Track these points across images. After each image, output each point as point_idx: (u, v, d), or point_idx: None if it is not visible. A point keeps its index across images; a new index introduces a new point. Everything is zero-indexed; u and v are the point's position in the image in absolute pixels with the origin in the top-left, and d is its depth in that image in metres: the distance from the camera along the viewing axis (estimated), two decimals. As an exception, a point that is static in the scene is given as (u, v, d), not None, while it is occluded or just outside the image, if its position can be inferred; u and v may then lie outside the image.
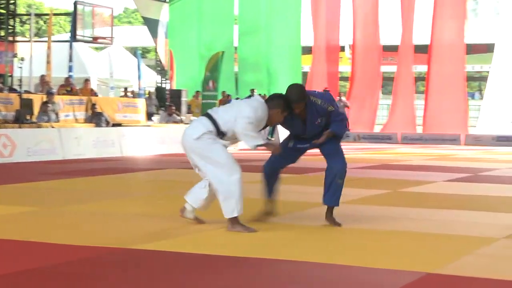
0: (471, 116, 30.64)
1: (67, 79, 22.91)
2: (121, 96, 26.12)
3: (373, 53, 30.47)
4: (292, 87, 7.16)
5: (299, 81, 30.95)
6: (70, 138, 17.34)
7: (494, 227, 7.39)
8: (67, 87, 22.32)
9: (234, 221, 6.89)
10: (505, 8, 30.53)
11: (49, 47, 25.65)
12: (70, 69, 25.60)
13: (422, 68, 41.25)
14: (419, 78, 47.42)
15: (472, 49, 32.52)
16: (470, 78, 35.33)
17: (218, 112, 7.06)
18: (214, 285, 4.95)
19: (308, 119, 7.15)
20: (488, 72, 32.16)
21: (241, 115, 6.85)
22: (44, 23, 29.92)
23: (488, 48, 30.82)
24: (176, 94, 27.98)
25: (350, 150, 22.60)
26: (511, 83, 29.37)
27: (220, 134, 6.92)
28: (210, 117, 6.97)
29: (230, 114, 6.96)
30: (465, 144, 26.93)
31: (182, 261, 5.66)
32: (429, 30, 29.37)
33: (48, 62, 24.64)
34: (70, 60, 25.83)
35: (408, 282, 5.05)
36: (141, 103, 24.09)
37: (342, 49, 37.01)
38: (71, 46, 26.17)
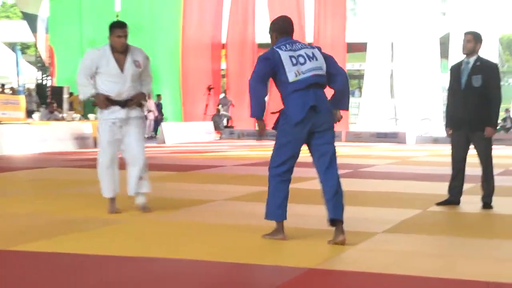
0: (352, 113, 31.36)
1: None
2: (-3, 93, 25.36)
3: (247, 51, 30.87)
4: None
5: (178, 78, 30.91)
6: None
7: (372, 222, 7.57)
8: None
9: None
10: (377, 8, 31.45)
11: None
12: None
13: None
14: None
15: (352, 47, 33.26)
16: (350, 76, 36.11)
17: None
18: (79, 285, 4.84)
19: None
20: (358, 70, 33.19)
21: None
22: None
23: (365, 47, 31.69)
24: (57, 91, 27.38)
25: (236, 147, 22.72)
26: (385, 81, 30.32)
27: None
28: None
29: None
30: (346, 141, 27.56)
31: (52, 262, 5.53)
32: (311, 29, 29.93)
33: None
34: None
35: (289, 279, 5.09)
36: (21, 100, 23.44)
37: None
38: None
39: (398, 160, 17.62)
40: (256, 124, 6.57)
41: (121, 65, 7.71)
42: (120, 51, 7.71)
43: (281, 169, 6.41)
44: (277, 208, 6.41)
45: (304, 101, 6.32)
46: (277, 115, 6.55)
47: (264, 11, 30.95)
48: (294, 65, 6.35)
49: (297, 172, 6.73)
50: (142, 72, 7.90)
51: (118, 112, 7.73)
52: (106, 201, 7.97)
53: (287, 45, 6.44)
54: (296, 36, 6.73)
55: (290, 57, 6.37)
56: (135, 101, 7.76)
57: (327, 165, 6.45)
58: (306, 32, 30.10)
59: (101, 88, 7.74)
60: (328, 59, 6.59)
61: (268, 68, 6.37)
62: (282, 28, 6.58)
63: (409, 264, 5.65)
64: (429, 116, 28.90)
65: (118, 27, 7.78)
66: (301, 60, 6.39)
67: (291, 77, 6.33)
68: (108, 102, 7.71)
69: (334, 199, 6.43)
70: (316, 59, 6.46)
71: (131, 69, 7.75)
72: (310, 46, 6.65)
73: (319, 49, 6.61)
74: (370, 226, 7.29)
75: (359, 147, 23.82)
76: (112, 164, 7.87)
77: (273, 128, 6.53)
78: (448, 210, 8.64)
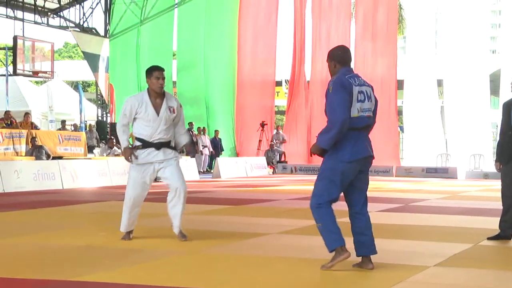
0: (401, 149, 31.15)
1: (7, 113, 22.57)
2: (59, 129, 25.87)
3: (301, 88, 30.95)
4: None
5: (233, 114, 31.10)
6: (10, 171, 17.03)
7: (424, 256, 7.50)
8: (7, 121, 22.00)
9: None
10: (411, 47, 31.42)
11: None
12: (7, 103, 25.28)
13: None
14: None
15: (401, 84, 33.19)
16: (401, 112, 36.00)
17: None
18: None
19: None
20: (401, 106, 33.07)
21: None
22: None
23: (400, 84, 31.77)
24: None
25: (289, 181, 22.72)
26: (434, 117, 30.09)
27: (140, 141, 8.10)
28: None
29: None
30: (396, 176, 27.35)
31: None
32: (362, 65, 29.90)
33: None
34: (7, 94, 25.49)
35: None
36: (82, 136, 23.87)
37: (278, 83, 37.43)
38: (7, 80, 25.82)
39: (449, 194, 17.41)
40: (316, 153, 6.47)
41: (157, 109, 7.98)
42: (158, 92, 7.93)
43: (328, 205, 6.45)
44: (340, 235, 6.41)
45: (358, 145, 6.39)
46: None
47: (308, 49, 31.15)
48: (358, 101, 6.34)
49: (339, 205, 6.72)
50: (177, 120, 8.15)
51: (155, 156, 7.98)
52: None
53: (355, 79, 6.40)
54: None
55: (359, 92, 6.35)
56: (190, 150, 8.10)
57: (363, 201, 6.68)
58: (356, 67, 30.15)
59: (135, 131, 8.08)
60: (377, 102, 6.61)
61: (348, 96, 6.27)
62: (343, 58, 6.54)
63: (460, 297, 5.58)
64: (480, 151, 28.55)
65: (156, 70, 8.02)
66: (362, 97, 6.37)
67: (354, 112, 6.30)
68: (139, 147, 8.05)
69: (371, 233, 6.58)
70: (371, 100, 6.46)
71: (166, 114, 8.01)
72: (369, 84, 6.61)
73: (373, 89, 6.59)
74: (421, 259, 7.22)
75: (409, 182, 23.60)
76: (137, 204, 8.18)
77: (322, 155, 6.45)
78: (499, 244, 8.51)
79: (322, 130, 6.36)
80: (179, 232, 8.11)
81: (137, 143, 8.07)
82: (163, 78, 8.00)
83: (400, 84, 31.43)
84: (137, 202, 8.18)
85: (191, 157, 6.46)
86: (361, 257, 6.55)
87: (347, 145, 6.34)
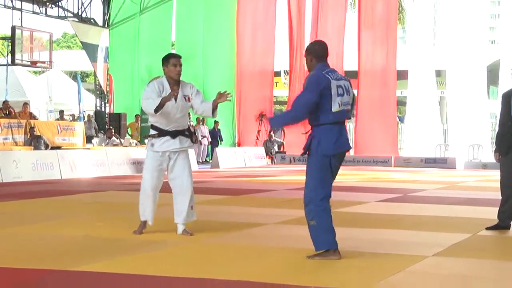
0: (401, 140, 31.14)
1: (5, 103, 22.51)
2: (57, 119, 25.82)
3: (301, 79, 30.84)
4: None
5: (232, 105, 31.05)
6: (9, 161, 17.01)
7: (422, 246, 7.50)
8: (5, 110, 21.96)
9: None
10: (425, 36, 31.29)
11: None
12: (6, 92, 25.24)
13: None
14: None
15: (401, 75, 33.15)
16: (400, 102, 35.97)
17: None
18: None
19: None
20: (405, 97, 32.99)
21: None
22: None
23: (402, 75, 31.66)
24: (115, 118, 27.81)
25: (288, 172, 22.72)
26: (432, 107, 30.09)
27: (157, 130, 7.91)
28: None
29: None
30: (395, 166, 27.35)
31: (121, 282, 5.58)
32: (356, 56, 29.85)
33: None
34: (7, 83, 25.45)
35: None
36: (80, 126, 23.84)
37: (277, 74, 37.38)
38: (7, 70, 25.77)
39: (447, 185, 17.42)
40: (266, 117, 6.90)
41: (175, 97, 7.84)
42: (176, 79, 7.83)
43: (325, 201, 6.46)
44: (335, 236, 6.45)
45: (342, 139, 6.52)
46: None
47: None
48: (338, 95, 6.41)
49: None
50: (197, 97, 7.99)
51: (171, 144, 7.88)
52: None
53: (332, 73, 6.48)
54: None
55: (337, 86, 6.41)
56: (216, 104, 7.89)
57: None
58: (353, 58, 30.05)
59: (152, 119, 7.94)
60: (354, 96, 6.74)
61: (318, 98, 6.37)
62: (320, 52, 6.60)
63: (458, 287, 5.57)
64: (478, 141, 28.54)
65: (173, 57, 7.95)
66: (341, 91, 6.46)
67: (335, 107, 6.39)
68: (154, 136, 7.91)
69: None
70: (349, 94, 6.55)
71: (182, 102, 7.90)
72: (346, 78, 6.68)
73: (350, 83, 6.67)
74: (420, 249, 7.22)
75: (408, 172, 23.61)
76: (155, 192, 8.02)
77: (303, 154, 6.62)
78: (497, 234, 8.51)
79: (284, 112, 6.92)
80: (183, 230, 7.96)
81: (153, 132, 7.96)
82: (180, 65, 7.88)
83: (399, 75, 31.40)
84: (155, 190, 8.00)
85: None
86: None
87: (332, 139, 6.44)
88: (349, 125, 32.01)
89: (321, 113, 6.42)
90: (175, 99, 7.81)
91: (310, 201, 6.45)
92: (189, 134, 8.13)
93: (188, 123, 8.31)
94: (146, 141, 8.11)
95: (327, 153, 6.42)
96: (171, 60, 7.86)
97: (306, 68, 6.76)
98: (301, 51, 30.95)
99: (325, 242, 6.40)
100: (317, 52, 6.59)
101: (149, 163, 7.98)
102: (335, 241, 6.42)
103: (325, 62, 6.59)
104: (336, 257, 6.41)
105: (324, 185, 6.45)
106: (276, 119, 6.82)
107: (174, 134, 7.91)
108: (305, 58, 6.69)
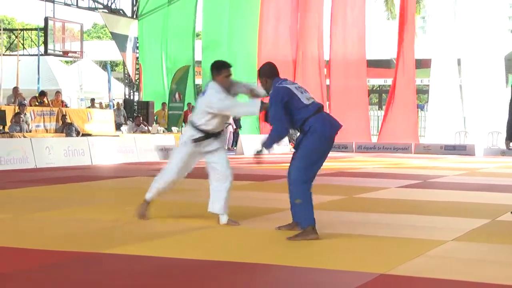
0: (421, 127, 30.93)
1: (43, 93, 22.63)
2: (88, 107, 25.94)
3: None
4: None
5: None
6: (42, 147, 17.14)
7: (442, 231, 7.46)
8: (40, 99, 22.10)
9: None
10: (445, 26, 31.00)
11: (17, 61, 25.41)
12: (38, 81, 25.41)
13: (374, 82, 41.66)
14: (373, 91, 47.81)
15: (421, 64, 32.90)
16: (420, 91, 35.69)
17: (192, 117, 7.71)
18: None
19: None
20: (425, 85, 32.71)
21: (210, 101, 7.45)
22: (16, 38, 29.58)
23: (423, 64, 31.34)
24: (144, 106, 27.89)
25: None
26: (453, 96, 29.85)
27: (203, 132, 7.58)
28: (190, 123, 7.70)
29: (198, 110, 7.63)
30: (415, 153, 27.20)
31: (155, 266, 5.61)
32: (386, 47, 29.70)
33: (17, 75, 24.31)
34: (38, 73, 25.59)
35: (363, 283, 5.07)
36: (110, 114, 23.94)
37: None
38: (39, 60, 25.93)
39: (467, 171, 17.30)
40: (256, 156, 7.25)
41: None
42: (227, 89, 7.68)
43: (310, 183, 6.95)
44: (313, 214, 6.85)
45: (331, 121, 6.94)
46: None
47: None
48: (301, 93, 6.89)
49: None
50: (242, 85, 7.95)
51: (211, 144, 7.72)
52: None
53: (286, 81, 6.98)
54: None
55: (296, 88, 6.90)
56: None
57: None
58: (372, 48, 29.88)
59: (201, 122, 7.65)
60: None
61: (285, 109, 6.81)
62: (272, 73, 7.10)
63: (477, 272, 5.54)
64: (497, 129, 28.29)
65: (225, 67, 7.65)
66: (301, 90, 6.98)
67: (305, 102, 6.84)
68: (201, 139, 7.72)
69: None
70: (307, 91, 7.07)
71: None
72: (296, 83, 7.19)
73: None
74: (440, 234, 7.18)
75: (428, 159, 23.46)
76: (176, 181, 7.93)
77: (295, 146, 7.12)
78: (516, 220, 8.44)
79: (269, 134, 7.17)
80: (228, 220, 7.69)
81: (199, 134, 7.67)
82: (231, 75, 7.70)
83: (418, 63, 31.14)
84: (177, 178, 7.92)
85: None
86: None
87: (326, 123, 6.86)
88: (376, 113, 31.77)
89: (300, 111, 6.83)
90: None
91: (296, 180, 6.88)
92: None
93: None
94: (184, 138, 7.85)
95: (325, 134, 6.81)
96: (223, 71, 7.59)
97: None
98: (320, 40, 30.80)
99: (310, 218, 6.77)
100: (268, 73, 7.09)
101: (183, 150, 7.78)
102: (314, 218, 6.80)
103: (278, 77, 7.08)
104: (314, 235, 6.70)
105: (312, 167, 6.91)
106: (266, 143, 7.16)
107: (216, 136, 7.79)
108: (259, 82, 7.23)
